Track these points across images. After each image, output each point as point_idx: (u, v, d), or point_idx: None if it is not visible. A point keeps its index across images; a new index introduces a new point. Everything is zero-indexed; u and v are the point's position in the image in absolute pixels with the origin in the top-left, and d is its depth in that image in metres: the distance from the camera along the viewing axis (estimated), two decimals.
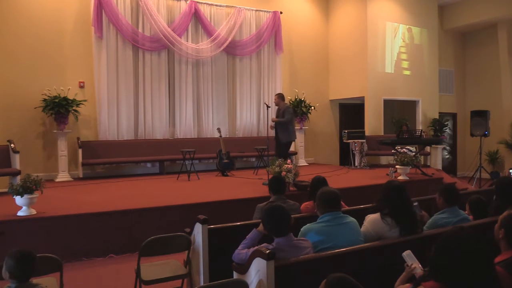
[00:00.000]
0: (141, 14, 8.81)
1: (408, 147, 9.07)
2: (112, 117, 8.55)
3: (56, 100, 7.66)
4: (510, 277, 1.95)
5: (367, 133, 10.21)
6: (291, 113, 7.52)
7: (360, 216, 3.13)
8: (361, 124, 10.65)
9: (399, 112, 11.79)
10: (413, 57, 11.15)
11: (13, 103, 7.72)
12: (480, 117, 10.01)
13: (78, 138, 8.17)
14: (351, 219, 2.91)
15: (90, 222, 4.85)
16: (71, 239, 4.70)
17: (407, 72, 11.06)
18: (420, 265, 2.22)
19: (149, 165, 8.98)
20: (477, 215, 3.48)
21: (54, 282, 2.85)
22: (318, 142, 11.24)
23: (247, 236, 2.81)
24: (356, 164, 9.68)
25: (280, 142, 7.43)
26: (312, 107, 10.51)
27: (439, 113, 11.69)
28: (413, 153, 8.60)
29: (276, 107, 7.78)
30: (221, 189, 6.69)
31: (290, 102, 10.54)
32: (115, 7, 8.47)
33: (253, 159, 9.68)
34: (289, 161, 6.94)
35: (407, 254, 2.29)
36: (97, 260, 4.65)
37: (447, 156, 12.64)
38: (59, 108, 7.65)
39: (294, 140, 7.77)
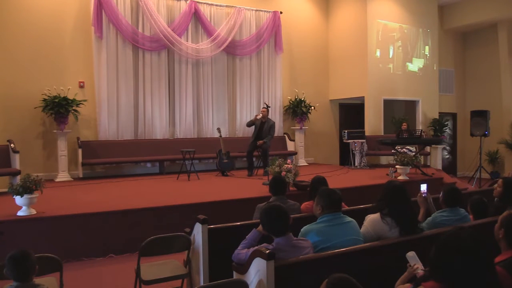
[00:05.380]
0: (141, 14, 8.81)
1: (408, 147, 9.07)
2: (112, 117, 8.55)
3: (56, 100, 7.66)
4: (510, 277, 1.95)
5: (367, 133, 10.21)
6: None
7: (360, 216, 3.13)
8: (361, 124, 10.65)
9: (399, 112, 11.79)
10: (413, 57, 11.15)
11: (13, 103, 7.72)
12: (480, 117, 10.01)
13: (78, 138, 8.17)
14: (351, 219, 2.90)
15: (90, 222, 4.85)
16: (71, 239, 4.70)
17: (407, 72, 11.06)
18: (422, 266, 2.22)
19: (149, 165, 8.98)
20: (477, 215, 3.49)
21: (54, 282, 2.85)
22: (318, 142, 11.24)
23: (247, 236, 2.81)
24: (356, 164, 9.68)
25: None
26: (312, 107, 10.51)
27: (439, 113, 11.69)
28: (413, 153, 8.60)
29: (261, 119, 8.25)
30: (221, 189, 6.69)
31: (290, 102, 10.56)
32: (115, 7, 8.47)
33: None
34: (289, 161, 6.98)
35: (411, 256, 2.29)
36: (97, 260, 4.65)
37: (447, 156, 12.64)
38: (59, 108, 7.65)
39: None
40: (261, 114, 8.33)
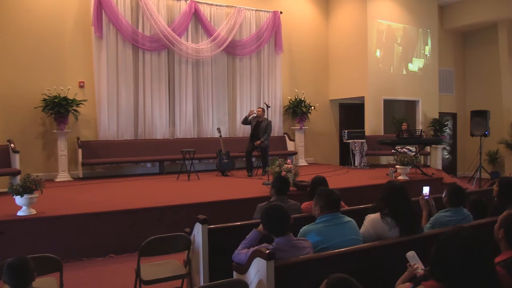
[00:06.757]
0: (141, 14, 8.81)
1: (408, 147, 9.07)
2: (112, 117, 8.55)
3: (56, 100, 7.66)
4: (510, 277, 1.95)
5: (367, 133, 10.21)
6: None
7: (360, 216, 3.13)
8: (361, 124, 10.65)
9: (399, 112, 11.79)
10: (413, 57, 11.15)
11: (13, 103, 7.72)
12: (480, 117, 10.01)
13: (78, 138, 8.17)
14: (349, 219, 2.90)
15: (90, 222, 4.85)
16: (71, 239, 4.70)
17: (407, 72, 11.07)
18: (422, 266, 2.22)
19: (149, 165, 8.98)
20: (476, 215, 3.49)
21: (54, 282, 2.85)
22: (318, 142, 11.24)
23: (247, 236, 2.81)
24: (356, 164, 9.67)
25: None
26: (312, 107, 10.51)
27: (439, 113, 11.69)
28: (413, 153, 8.60)
29: (257, 118, 8.26)
30: (221, 189, 6.69)
31: (290, 102, 10.57)
32: (115, 7, 8.47)
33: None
34: (289, 161, 6.99)
35: (411, 255, 2.29)
36: (97, 260, 4.65)
37: (447, 156, 12.64)
38: (59, 108, 7.65)
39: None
40: (255, 113, 8.31)
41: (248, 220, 3.60)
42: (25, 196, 4.59)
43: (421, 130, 9.39)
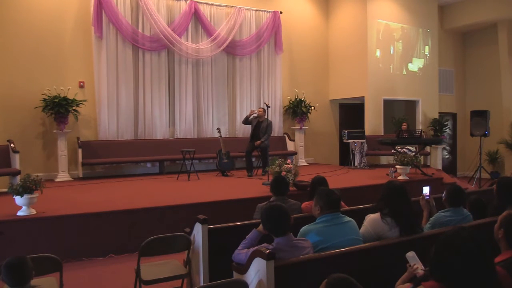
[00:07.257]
0: (141, 14, 8.81)
1: (408, 147, 9.07)
2: (112, 117, 8.55)
3: (56, 100, 7.66)
4: (510, 277, 1.95)
5: (367, 133, 10.21)
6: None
7: (360, 216, 3.13)
8: (361, 124, 10.65)
9: (399, 112, 11.79)
10: (413, 57, 11.16)
11: (13, 103, 7.72)
12: (480, 117, 10.01)
13: (78, 138, 8.17)
14: (349, 219, 2.90)
15: (90, 222, 4.85)
16: (71, 239, 4.70)
17: (407, 72, 11.07)
18: (422, 266, 2.22)
19: (149, 165, 8.98)
20: (476, 215, 3.49)
21: (54, 282, 2.85)
22: (318, 142, 11.24)
23: (247, 236, 2.81)
24: (356, 164, 9.67)
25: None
26: (312, 107, 10.51)
27: (439, 113, 11.69)
28: (413, 153, 8.60)
29: (258, 118, 8.28)
30: (221, 189, 6.69)
31: (290, 102, 10.57)
32: (115, 7, 8.47)
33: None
34: (289, 161, 6.99)
35: (411, 256, 2.29)
36: (97, 260, 4.65)
37: (447, 156, 12.64)
38: (59, 108, 7.65)
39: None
40: (256, 113, 8.32)
41: (248, 220, 3.60)
42: (25, 196, 4.59)
43: (421, 130, 9.39)
